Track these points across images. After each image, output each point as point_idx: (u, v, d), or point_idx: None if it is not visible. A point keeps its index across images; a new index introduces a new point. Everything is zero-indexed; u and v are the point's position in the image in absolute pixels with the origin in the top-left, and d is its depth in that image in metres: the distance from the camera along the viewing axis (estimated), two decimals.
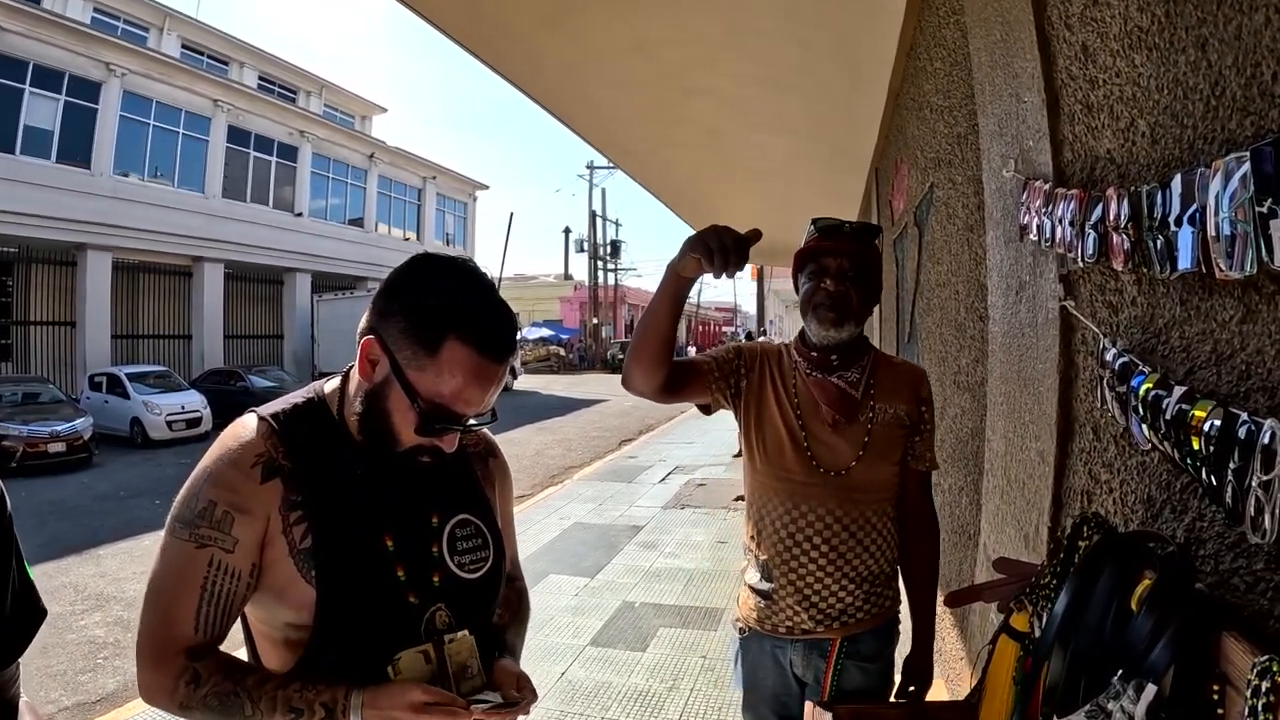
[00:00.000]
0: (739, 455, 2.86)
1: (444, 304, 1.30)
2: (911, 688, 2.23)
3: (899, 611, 2.29)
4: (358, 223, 30.98)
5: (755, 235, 1.71)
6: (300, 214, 27.45)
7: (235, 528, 1.28)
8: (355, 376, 1.40)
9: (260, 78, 30.03)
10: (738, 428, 2.31)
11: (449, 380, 1.29)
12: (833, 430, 2.11)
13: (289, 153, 27.47)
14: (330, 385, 1.48)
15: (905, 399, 2.17)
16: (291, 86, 31.88)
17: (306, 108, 30.23)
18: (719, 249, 1.67)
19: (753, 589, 2.23)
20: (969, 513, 3.34)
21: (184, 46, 27.19)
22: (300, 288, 27.51)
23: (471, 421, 1.38)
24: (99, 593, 6.77)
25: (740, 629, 2.31)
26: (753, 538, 2.26)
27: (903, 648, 2.28)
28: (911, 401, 2.18)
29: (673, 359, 2.06)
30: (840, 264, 2.11)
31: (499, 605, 1.61)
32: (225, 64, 28.82)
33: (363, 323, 1.38)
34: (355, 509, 1.36)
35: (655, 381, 2.03)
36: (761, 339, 2.51)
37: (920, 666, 2.24)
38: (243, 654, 1.46)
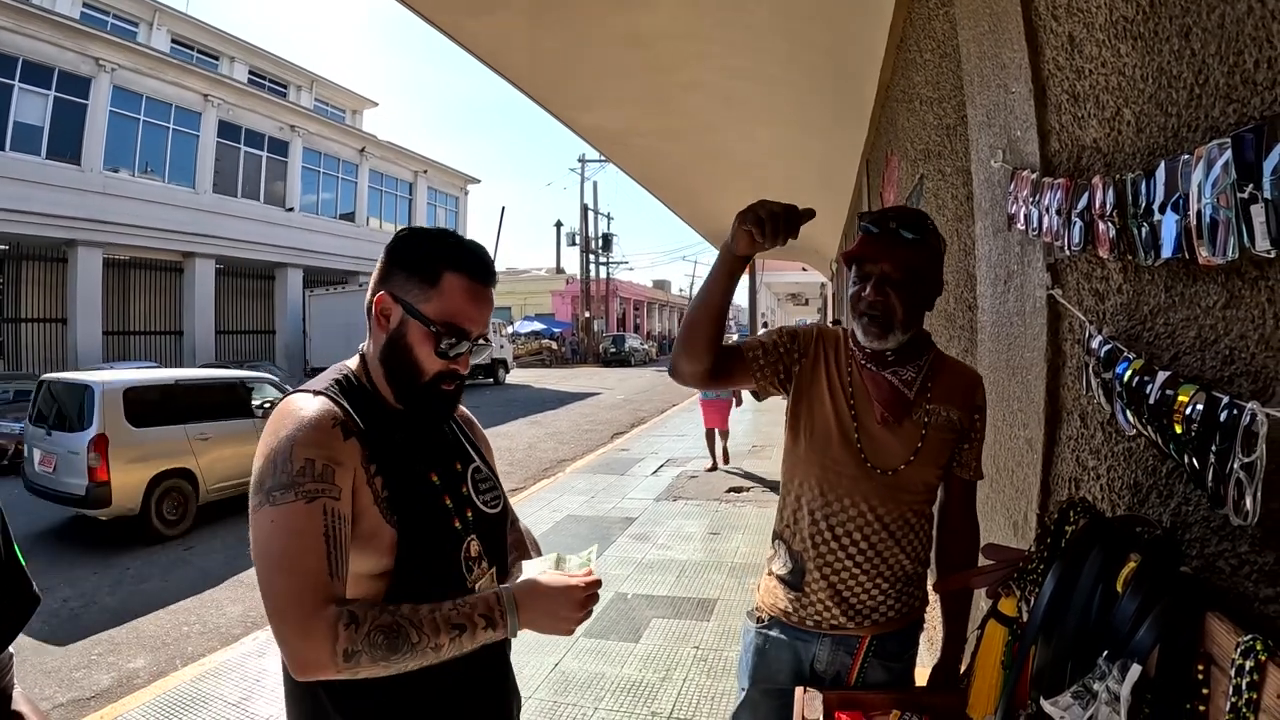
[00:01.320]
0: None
1: (435, 249, 1.53)
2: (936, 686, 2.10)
3: (924, 613, 2.20)
4: (349, 217, 30.88)
5: (809, 212, 1.73)
6: (291, 209, 27.34)
7: (336, 478, 1.37)
8: (371, 346, 1.57)
9: (250, 72, 29.87)
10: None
11: (452, 301, 1.51)
12: (883, 427, 2.00)
13: (280, 147, 27.35)
14: (353, 363, 1.61)
15: (960, 404, 2.03)
16: (282, 81, 31.75)
17: (297, 102, 30.08)
18: (770, 218, 1.68)
19: (781, 579, 2.13)
20: None
21: (174, 41, 27.02)
22: (292, 283, 27.42)
23: (478, 340, 1.58)
24: (98, 589, 6.76)
25: (759, 618, 2.20)
26: (788, 526, 2.14)
27: (922, 651, 2.20)
28: (966, 407, 2.04)
29: (721, 343, 2.01)
30: (881, 269, 1.93)
31: (513, 549, 1.85)
32: (215, 59, 28.67)
33: (368, 293, 1.56)
34: (408, 457, 1.53)
35: (703, 366, 1.98)
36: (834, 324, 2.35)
37: (949, 673, 2.13)
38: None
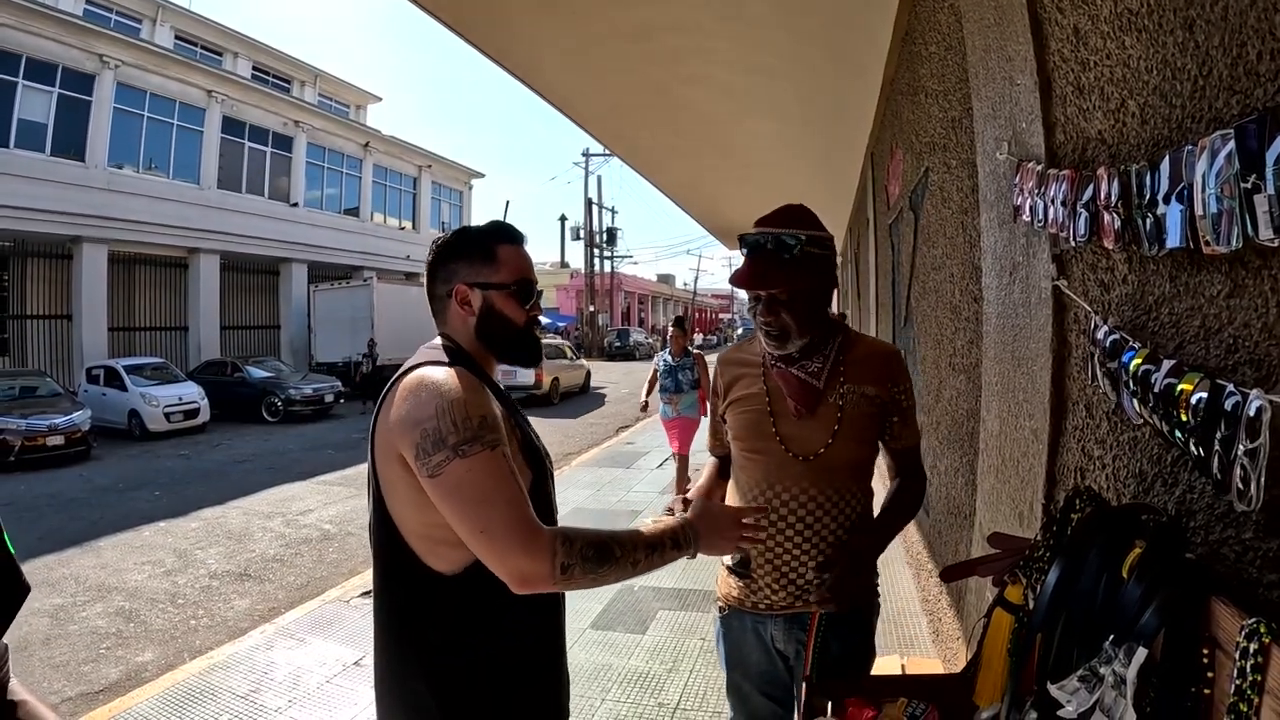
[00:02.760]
0: None
1: (481, 235, 1.84)
2: (837, 568, 2.03)
3: (876, 586, 2.31)
4: (353, 212, 30.89)
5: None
6: (296, 204, 27.36)
7: (503, 429, 1.61)
8: (457, 333, 1.82)
9: (254, 68, 29.87)
10: None
11: (513, 264, 1.83)
12: (798, 420, 2.17)
13: (284, 143, 27.37)
14: (438, 341, 1.82)
15: (874, 379, 2.17)
16: (285, 76, 31.75)
17: (301, 98, 30.09)
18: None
19: (731, 569, 2.31)
20: (964, 493, 3.37)
21: (177, 37, 27.03)
22: (296, 278, 27.44)
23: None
24: (100, 584, 6.79)
25: (721, 608, 2.39)
26: None
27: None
28: (881, 381, 2.17)
29: (728, 477, 2.40)
30: (769, 294, 2.11)
31: None
32: (219, 54, 28.67)
33: (442, 292, 1.83)
34: (512, 411, 1.76)
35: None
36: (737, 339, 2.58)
37: (853, 548, 2.11)
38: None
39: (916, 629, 4.88)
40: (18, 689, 1.23)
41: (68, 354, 20.85)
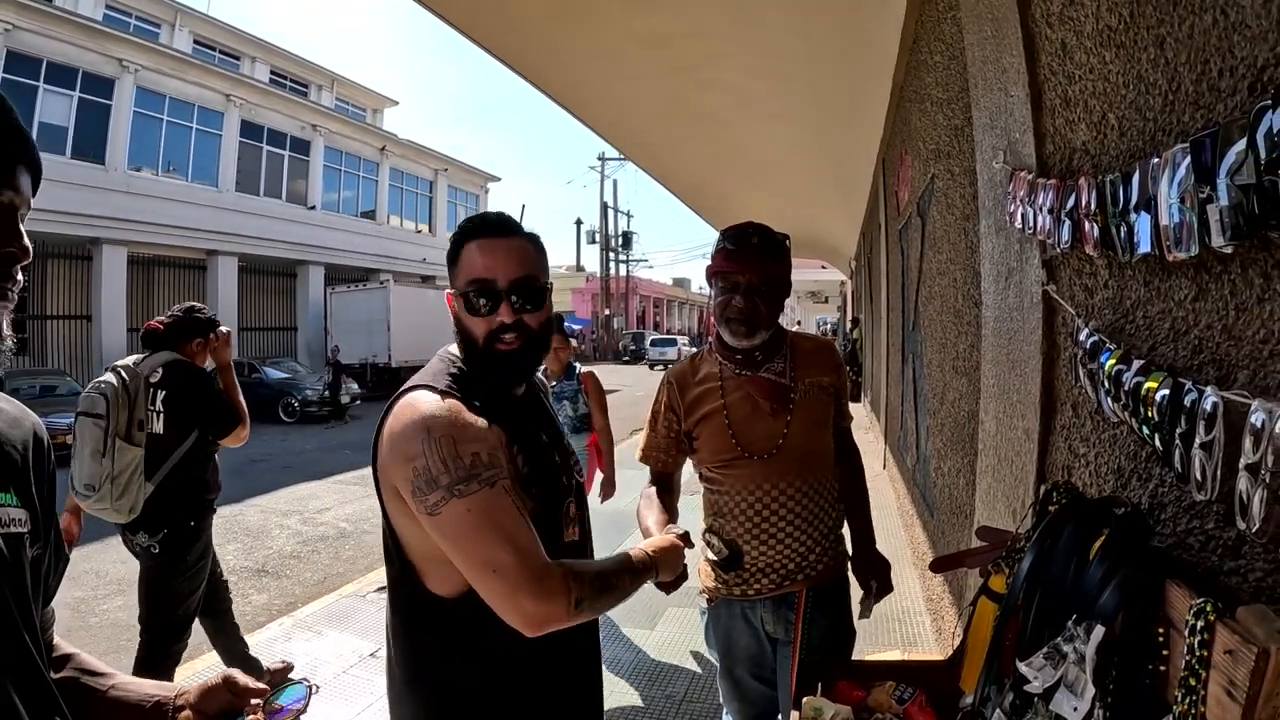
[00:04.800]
0: None
1: (456, 235, 1.70)
2: (873, 581, 2.49)
3: (847, 565, 2.54)
4: (370, 215, 31.14)
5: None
6: (313, 207, 27.61)
7: (501, 460, 1.51)
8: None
9: (272, 72, 30.16)
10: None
11: (469, 264, 1.63)
12: (773, 417, 2.35)
13: (301, 146, 27.63)
14: (454, 349, 1.73)
15: (823, 369, 2.45)
16: (303, 81, 32.01)
17: (318, 102, 30.36)
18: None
19: (717, 565, 2.40)
20: (965, 493, 3.43)
21: (196, 42, 27.33)
22: (313, 280, 27.68)
23: (516, 286, 1.63)
24: (120, 578, 6.89)
25: (709, 600, 2.53)
26: (716, 520, 2.48)
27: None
28: (829, 369, 2.46)
29: (671, 493, 2.54)
30: (748, 280, 2.30)
31: None
32: (237, 59, 28.96)
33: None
34: (524, 420, 1.69)
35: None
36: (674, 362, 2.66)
37: (868, 559, 2.54)
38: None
39: (919, 627, 4.94)
40: (62, 644, 1.32)
41: (87, 354, 21.08)
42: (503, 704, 1.61)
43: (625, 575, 1.62)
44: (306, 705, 1.29)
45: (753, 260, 2.29)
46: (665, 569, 1.80)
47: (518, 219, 1.73)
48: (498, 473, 1.47)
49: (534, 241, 1.72)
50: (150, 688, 1.27)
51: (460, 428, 1.48)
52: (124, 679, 1.26)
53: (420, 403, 1.52)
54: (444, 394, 1.55)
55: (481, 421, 1.53)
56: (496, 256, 1.62)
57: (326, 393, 20.12)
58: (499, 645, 1.55)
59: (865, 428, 12.71)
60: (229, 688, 1.25)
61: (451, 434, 1.46)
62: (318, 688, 1.32)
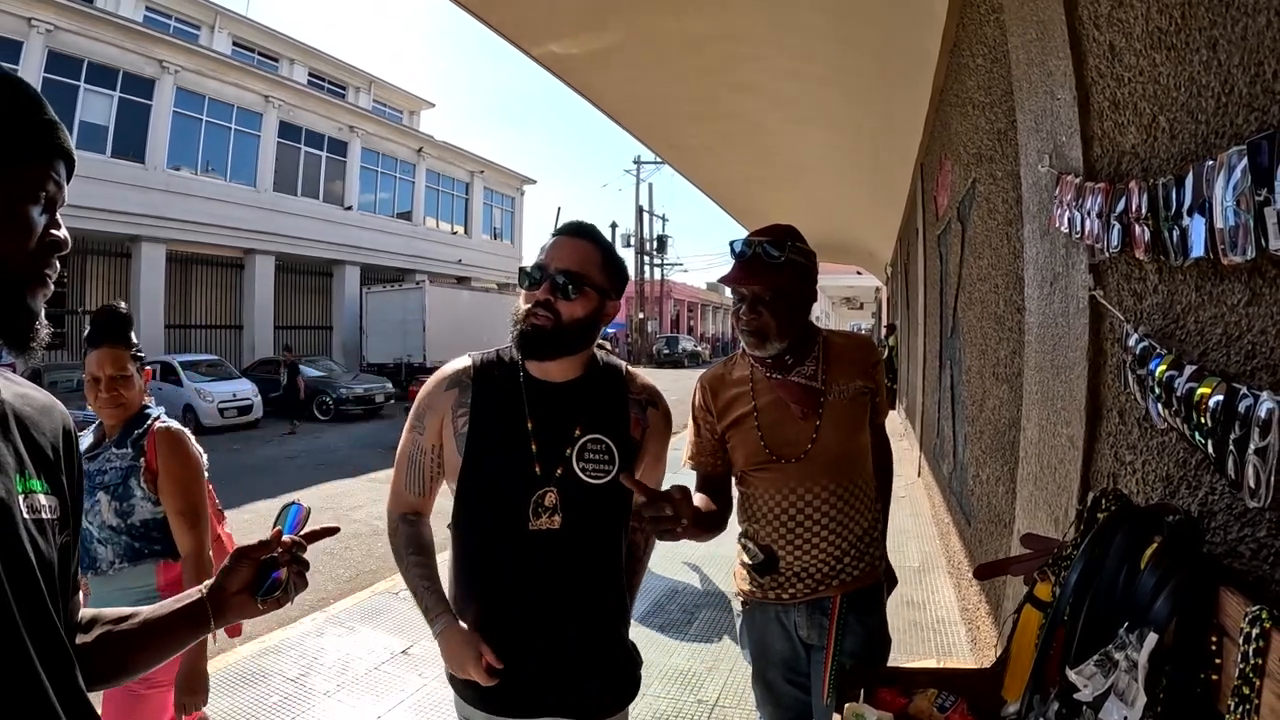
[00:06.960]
0: None
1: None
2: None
3: (886, 557, 2.54)
4: (406, 216, 31.32)
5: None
6: (350, 207, 27.82)
7: (426, 419, 1.95)
8: None
9: (310, 74, 30.46)
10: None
11: (541, 253, 1.91)
12: (804, 420, 2.31)
13: (338, 147, 27.85)
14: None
15: (860, 371, 2.39)
16: (340, 82, 32.30)
17: (355, 103, 30.62)
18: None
19: (753, 569, 2.41)
20: (1005, 501, 3.40)
21: (235, 44, 27.69)
22: (349, 279, 27.87)
23: (557, 274, 1.84)
24: None
25: (744, 603, 2.53)
26: (751, 526, 2.46)
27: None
28: (865, 370, 2.40)
29: (726, 493, 2.46)
30: (753, 292, 2.28)
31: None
32: (275, 61, 29.28)
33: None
34: (508, 407, 1.90)
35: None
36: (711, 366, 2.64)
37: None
38: None
39: (955, 637, 4.89)
40: (85, 611, 1.33)
41: None
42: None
43: (421, 595, 1.91)
44: (309, 511, 1.47)
45: (754, 272, 2.28)
46: (446, 653, 1.88)
47: (554, 222, 1.84)
48: (421, 424, 1.94)
49: (602, 248, 1.94)
50: (175, 600, 1.29)
51: (429, 386, 1.98)
52: (148, 609, 1.28)
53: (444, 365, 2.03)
54: (466, 357, 2.01)
55: (444, 383, 1.95)
56: (560, 249, 1.88)
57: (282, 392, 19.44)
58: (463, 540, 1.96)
59: (900, 435, 12.62)
60: (243, 555, 1.32)
61: (424, 389, 1.99)
62: (309, 509, 1.48)
